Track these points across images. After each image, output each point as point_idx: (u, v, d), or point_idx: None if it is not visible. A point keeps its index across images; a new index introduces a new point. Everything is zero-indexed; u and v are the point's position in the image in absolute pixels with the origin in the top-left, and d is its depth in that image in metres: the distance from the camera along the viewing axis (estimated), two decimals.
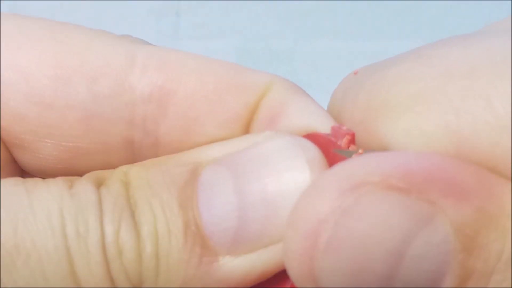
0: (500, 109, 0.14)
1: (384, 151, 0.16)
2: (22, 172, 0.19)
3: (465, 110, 0.14)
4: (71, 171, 0.19)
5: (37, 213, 0.15)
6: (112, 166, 0.18)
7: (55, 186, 0.16)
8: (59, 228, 0.15)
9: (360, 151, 0.16)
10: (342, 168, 0.14)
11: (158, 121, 0.18)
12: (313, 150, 0.16)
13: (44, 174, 0.19)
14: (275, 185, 0.16)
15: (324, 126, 0.18)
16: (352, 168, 0.14)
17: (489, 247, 0.13)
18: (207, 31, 0.51)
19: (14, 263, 0.15)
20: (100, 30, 0.19)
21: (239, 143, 0.17)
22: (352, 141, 0.16)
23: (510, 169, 0.14)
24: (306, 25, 0.51)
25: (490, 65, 0.14)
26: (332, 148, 0.17)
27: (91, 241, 0.15)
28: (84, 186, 0.16)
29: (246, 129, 0.19)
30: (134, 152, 0.19)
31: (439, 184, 0.14)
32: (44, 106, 0.17)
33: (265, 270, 0.16)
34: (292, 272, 0.14)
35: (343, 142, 0.17)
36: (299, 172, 0.16)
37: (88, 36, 0.18)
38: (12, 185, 0.16)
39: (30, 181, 0.16)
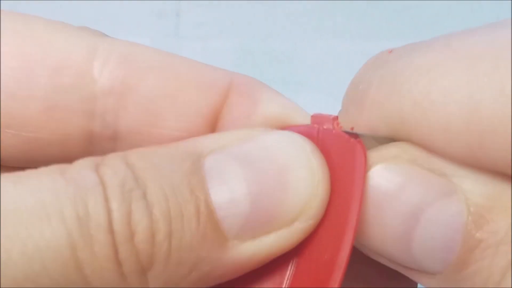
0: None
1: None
2: None
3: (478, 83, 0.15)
4: (30, 162, 0.19)
5: (28, 202, 0.15)
6: (71, 157, 0.18)
7: (46, 174, 0.15)
8: (56, 214, 0.15)
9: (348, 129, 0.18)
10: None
11: (117, 114, 0.19)
12: (310, 142, 0.18)
13: (3, 164, 0.19)
14: (285, 175, 0.17)
15: (298, 116, 0.19)
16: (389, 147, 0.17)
17: (497, 224, 0.16)
18: (207, 31, 0.51)
19: (9, 255, 0.14)
20: (60, 22, 0.19)
21: (235, 135, 0.18)
22: (338, 123, 0.18)
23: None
24: (306, 25, 0.51)
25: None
26: (317, 135, 0.18)
27: (94, 224, 0.15)
28: (78, 170, 0.16)
29: (213, 126, 0.19)
30: (93, 143, 0.19)
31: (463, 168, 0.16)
32: (6, 96, 0.18)
33: (269, 254, 0.17)
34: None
35: (333, 125, 0.18)
36: (306, 162, 0.17)
37: (49, 28, 0.18)
38: None
39: (12, 175, 0.15)
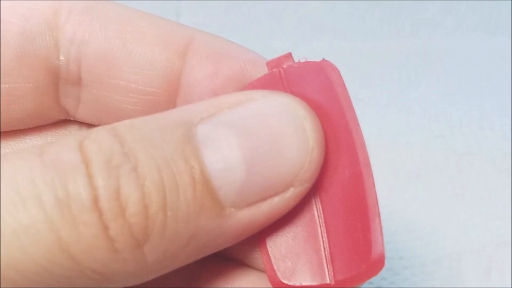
0: None
1: None
2: None
3: None
4: (6, 118, 0.20)
5: (1, 190, 0.14)
6: (44, 108, 0.20)
7: (19, 158, 0.15)
8: (32, 199, 0.14)
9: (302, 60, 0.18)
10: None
11: (79, 62, 0.20)
12: (304, 106, 0.17)
13: None
14: (278, 142, 0.17)
15: (261, 69, 0.19)
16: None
17: None
18: (207, 31, 0.51)
19: None
20: None
21: (225, 101, 0.17)
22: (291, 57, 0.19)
23: None
24: (306, 25, 0.51)
25: None
26: (281, 78, 0.19)
27: (75, 205, 0.14)
28: (58, 150, 0.15)
29: (175, 84, 0.20)
30: (60, 92, 0.20)
31: None
32: None
33: (266, 219, 0.17)
34: None
35: (289, 61, 0.19)
36: (299, 127, 0.17)
37: None
38: None
39: None
